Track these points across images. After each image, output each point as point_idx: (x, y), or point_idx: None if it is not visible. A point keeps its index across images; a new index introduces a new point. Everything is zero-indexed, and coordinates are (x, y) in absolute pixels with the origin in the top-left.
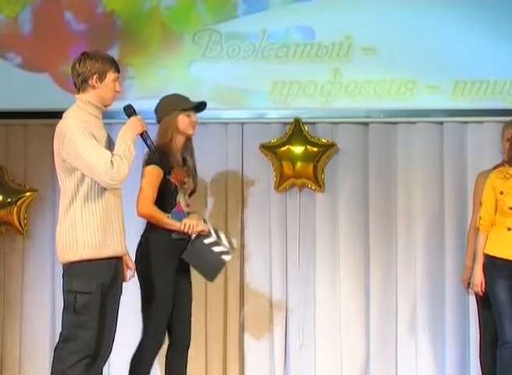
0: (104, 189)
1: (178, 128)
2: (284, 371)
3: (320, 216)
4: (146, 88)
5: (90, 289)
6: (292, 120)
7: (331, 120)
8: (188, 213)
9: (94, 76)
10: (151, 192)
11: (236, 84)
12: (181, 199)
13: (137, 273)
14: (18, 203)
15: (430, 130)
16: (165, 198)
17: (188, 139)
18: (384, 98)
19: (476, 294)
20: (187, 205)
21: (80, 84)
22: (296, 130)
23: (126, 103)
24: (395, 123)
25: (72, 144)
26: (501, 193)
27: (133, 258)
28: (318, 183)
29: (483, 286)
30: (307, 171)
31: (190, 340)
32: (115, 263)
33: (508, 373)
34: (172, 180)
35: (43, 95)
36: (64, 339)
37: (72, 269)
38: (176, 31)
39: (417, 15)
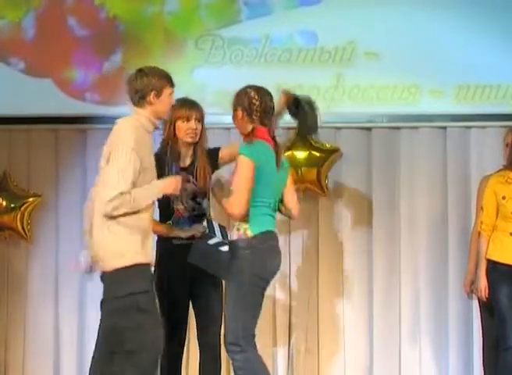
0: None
1: (175, 135)
2: None
3: (323, 220)
4: None
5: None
6: (295, 125)
7: (334, 125)
8: (196, 216)
9: (152, 93)
10: None
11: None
12: (179, 206)
13: None
14: (21, 208)
15: (433, 135)
16: (163, 207)
17: (196, 145)
18: (387, 102)
19: (479, 299)
20: (192, 210)
21: (138, 100)
22: None
23: (128, 108)
24: (398, 128)
25: (113, 158)
26: (503, 198)
27: None
28: (322, 188)
29: (487, 291)
30: (310, 176)
31: (219, 340)
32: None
33: None
34: None
35: (46, 101)
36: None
37: (121, 274)
38: (179, 36)
39: (420, 20)
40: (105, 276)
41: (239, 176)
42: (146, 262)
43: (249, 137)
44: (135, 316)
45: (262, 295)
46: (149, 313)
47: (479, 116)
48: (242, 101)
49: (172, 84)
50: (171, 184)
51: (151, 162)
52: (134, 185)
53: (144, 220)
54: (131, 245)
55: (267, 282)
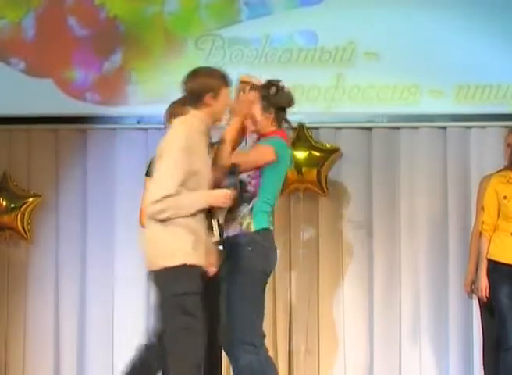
0: None
1: None
2: None
3: (323, 220)
4: (149, 93)
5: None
6: (295, 125)
7: (334, 125)
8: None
9: (209, 95)
10: None
11: None
12: None
13: None
14: (22, 208)
15: (433, 135)
16: None
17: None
18: (387, 102)
19: (479, 299)
20: None
21: (194, 102)
22: (300, 135)
23: (128, 108)
24: (398, 128)
25: (165, 157)
26: (505, 198)
27: None
28: (322, 188)
29: (487, 291)
30: (310, 176)
31: (220, 347)
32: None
33: None
34: None
35: (46, 101)
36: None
37: (169, 273)
38: (179, 36)
39: (420, 20)
40: (153, 275)
41: (257, 151)
42: (195, 263)
43: (273, 133)
44: (179, 318)
45: (264, 292)
46: (193, 316)
47: (479, 116)
48: (279, 98)
49: (228, 84)
50: (219, 197)
51: (204, 165)
52: (186, 187)
53: (197, 222)
54: (183, 245)
55: (268, 278)
